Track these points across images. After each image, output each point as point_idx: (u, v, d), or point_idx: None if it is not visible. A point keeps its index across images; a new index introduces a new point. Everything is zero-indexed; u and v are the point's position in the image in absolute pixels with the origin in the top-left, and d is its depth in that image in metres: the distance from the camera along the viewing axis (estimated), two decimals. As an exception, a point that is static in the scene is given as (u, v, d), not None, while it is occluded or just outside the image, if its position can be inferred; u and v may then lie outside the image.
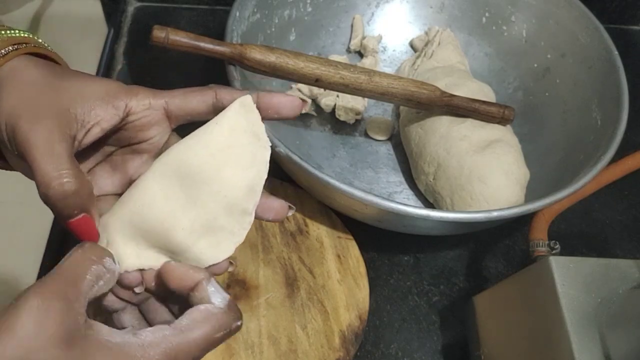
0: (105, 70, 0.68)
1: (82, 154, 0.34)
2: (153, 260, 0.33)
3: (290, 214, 0.36)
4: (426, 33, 0.70)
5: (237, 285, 0.51)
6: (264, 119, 0.35)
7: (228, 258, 0.33)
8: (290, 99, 0.35)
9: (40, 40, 0.35)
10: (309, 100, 0.37)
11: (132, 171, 0.35)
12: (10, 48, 0.32)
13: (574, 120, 0.59)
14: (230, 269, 0.34)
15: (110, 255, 0.30)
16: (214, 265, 0.33)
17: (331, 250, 0.54)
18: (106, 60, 0.69)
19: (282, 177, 0.57)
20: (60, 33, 0.72)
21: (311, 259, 0.53)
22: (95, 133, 0.32)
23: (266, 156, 0.34)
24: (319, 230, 0.55)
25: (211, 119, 0.34)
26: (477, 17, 0.68)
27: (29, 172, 0.30)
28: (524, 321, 0.42)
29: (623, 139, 0.51)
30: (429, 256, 0.57)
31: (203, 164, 0.32)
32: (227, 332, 0.29)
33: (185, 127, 0.36)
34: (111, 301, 0.33)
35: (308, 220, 0.56)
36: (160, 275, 0.32)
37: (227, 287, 0.51)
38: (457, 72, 0.62)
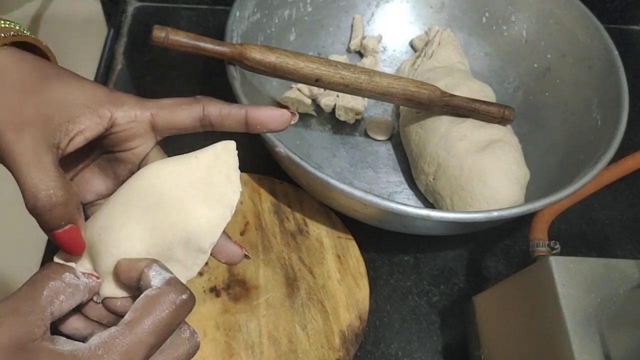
0: (105, 70, 0.68)
1: (68, 157, 0.33)
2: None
3: (243, 260, 0.36)
4: (426, 33, 0.70)
5: (237, 285, 0.51)
6: (252, 132, 0.35)
7: None
8: (279, 113, 0.35)
9: (26, 32, 0.34)
10: (297, 114, 0.37)
11: (122, 174, 0.35)
12: None
13: (574, 120, 0.59)
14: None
15: (71, 271, 0.30)
16: None
17: (331, 250, 0.54)
18: (106, 60, 0.69)
19: (282, 177, 0.57)
20: (60, 33, 0.71)
21: (311, 259, 0.53)
22: (79, 142, 0.32)
23: (234, 201, 0.34)
24: (319, 230, 0.55)
25: (197, 131, 0.35)
26: (477, 17, 0.68)
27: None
28: (524, 321, 0.42)
29: (623, 139, 0.51)
30: (429, 256, 0.57)
31: (170, 194, 0.32)
32: (175, 309, 0.28)
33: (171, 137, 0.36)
34: (78, 328, 0.32)
35: (308, 220, 0.56)
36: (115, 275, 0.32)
37: (227, 287, 0.51)
38: (457, 72, 0.62)
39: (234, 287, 0.51)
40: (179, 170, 0.33)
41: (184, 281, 0.32)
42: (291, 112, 0.36)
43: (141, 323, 0.27)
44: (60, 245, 0.31)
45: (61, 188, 0.29)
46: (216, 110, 0.35)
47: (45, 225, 0.30)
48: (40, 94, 0.31)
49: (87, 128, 0.32)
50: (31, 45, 0.35)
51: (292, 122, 0.37)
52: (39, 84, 0.31)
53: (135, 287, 0.31)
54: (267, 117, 0.35)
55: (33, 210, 0.29)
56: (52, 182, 0.29)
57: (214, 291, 0.51)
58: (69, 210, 0.30)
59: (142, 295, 0.29)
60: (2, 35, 0.32)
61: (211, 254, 0.33)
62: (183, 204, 0.32)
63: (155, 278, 0.30)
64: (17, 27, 0.34)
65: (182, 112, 0.34)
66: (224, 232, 0.33)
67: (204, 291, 0.51)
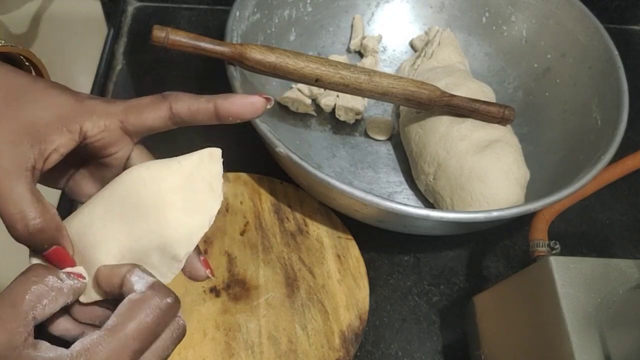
0: (105, 70, 0.68)
1: (58, 164, 0.33)
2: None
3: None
4: (426, 33, 0.70)
5: (237, 285, 0.51)
6: (227, 123, 0.34)
7: None
8: (250, 101, 0.35)
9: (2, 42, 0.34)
10: (272, 98, 0.36)
11: (109, 177, 0.35)
12: None
13: (574, 120, 0.59)
14: None
15: (55, 274, 0.30)
16: None
17: (331, 250, 0.54)
18: (106, 60, 0.69)
19: (282, 177, 0.57)
20: (60, 33, 0.72)
21: (311, 259, 0.53)
22: (55, 158, 0.31)
23: (214, 210, 0.33)
24: (319, 230, 0.55)
25: (172, 128, 0.34)
26: (477, 17, 0.68)
27: None
28: (524, 321, 0.42)
29: (623, 139, 0.51)
30: (429, 256, 0.57)
31: (149, 199, 0.32)
32: (159, 313, 0.28)
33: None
34: (68, 328, 0.32)
35: (308, 220, 0.56)
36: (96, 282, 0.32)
37: (227, 287, 0.51)
38: (457, 72, 0.62)
39: (234, 287, 0.51)
40: (160, 176, 0.32)
41: None
42: (265, 98, 0.35)
43: (124, 328, 0.27)
44: (52, 264, 0.31)
45: (38, 214, 0.29)
46: (184, 106, 0.34)
47: (31, 249, 0.30)
48: (6, 119, 0.30)
49: (60, 145, 0.31)
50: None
51: (268, 107, 0.36)
52: (5, 106, 0.30)
53: (117, 294, 0.30)
54: (238, 107, 0.34)
55: (15, 238, 0.29)
56: (28, 210, 0.29)
57: (214, 291, 0.51)
58: (48, 234, 0.30)
59: (125, 300, 0.28)
60: None
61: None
62: (161, 210, 0.31)
63: (138, 283, 0.29)
64: None
65: (150, 114, 0.33)
66: (197, 246, 0.33)
67: (204, 291, 0.51)
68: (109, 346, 0.26)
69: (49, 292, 0.29)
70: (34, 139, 0.30)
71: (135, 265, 0.31)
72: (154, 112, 0.33)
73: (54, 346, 0.27)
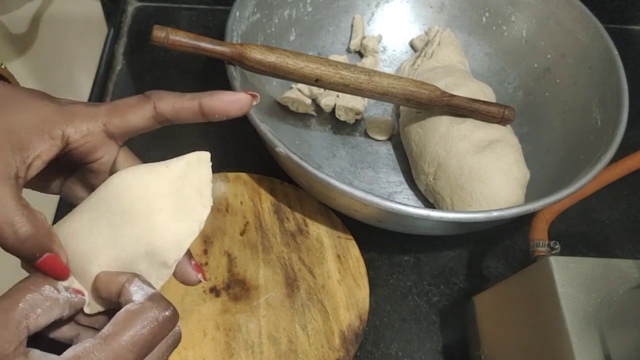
0: (105, 70, 0.68)
1: (50, 171, 0.32)
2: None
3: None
4: (426, 33, 0.70)
5: (237, 285, 0.51)
6: (212, 120, 0.34)
7: None
8: (236, 98, 0.34)
9: None
10: (258, 95, 0.36)
11: (96, 183, 0.34)
12: None
13: (574, 120, 0.59)
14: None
15: (52, 284, 0.29)
16: None
17: (331, 250, 0.54)
18: (106, 60, 0.69)
19: (282, 177, 0.57)
20: (60, 33, 0.71)
21: (311, 259, 0.53)
22: (38, 166, 0.30)
23: (203, 215, 0.32)
24: (319, 230, 0.55)
25: (156, 128, 0.33)
26: (477, 17, 0.68)
27: None
28: (524, 321, 0.42)
29: (623, 139, 0.51)
30: (429, 256, 0.57)
31: (136, 205, 0.31)
32: (156, 326, 0.28)
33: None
34: (63, 330, 0.31)
35: (308, 220, 0.56)
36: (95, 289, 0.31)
37: (227, 287, 0.51)
38: (457, 72, 0.62)
39: (234, 287, 0.51)
40: (147, 180, 0.31)
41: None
42: (250, 94, 0.35)
43: (119, 338, 0.26)
44: (45, 273, 0.30)
45: (26, 221, 0.28)
46: (168, 105, 0.33)
47: (22, 259, 0.29)
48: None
49: (42, 152, 0.30)
50: None
51: (254, 103, 0.36)
52: None
53: (115, 303, 0.30)
54: (224, 104, 0.34)
55: (5, 249, 0.29)
56: (15, 217, 0.28)
57: (214, 291, 0.51)
58: (38, 241, 0.29)
59: (123, 309, 0.28)
60: None
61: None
62: (148, 216, 0.31)
63: (137, 293, 0.29)
64: None
65: (134, 115, 0.33)
66: (188, 250, 0.32)
67: (204, 291, 0.51)
68: (101, 355, 0.26)
69: (44, 302, 0.28)
70: (15, 146, 0.29)
71: (135, 275, 0.30)
72: (137, 113, 0.33)
73: (46, 353, 0.26)
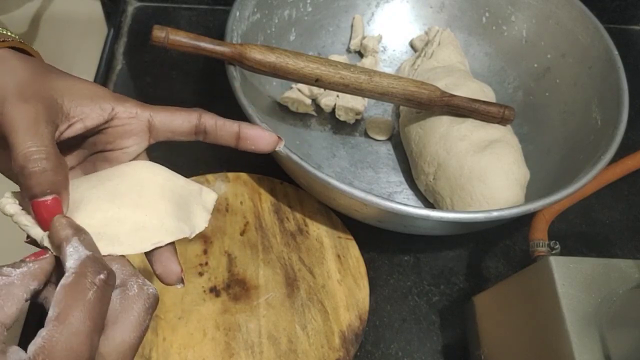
0: (105, 70, 0.68)
1: (67, 150, 0.34)
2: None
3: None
4: (426, 33, 0.70)
5: (237, 285, 0.51)
6: (240, 148, 0.38)
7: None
8: (268, 134, 0.39)
9: (21, 40, 0.36)
10: (283, 141, 0.41)
11: None
12: None
13: (574, 120, 0.59)
14: None
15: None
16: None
17: (331, 250, 0.54)
18: (106, 60, 0.69)
19: (282, 177, 0.57)
20: (60, 33, 0.71)
21: (311, 259, 0.53)
22: (78, 129, 0.33)
23: (198, 228, 0.35)
24: (319, 230, 0.55)
25: (191, 139, 0.37)
26: (477, 17, 0.68)
27: (6, 160, 0.30)
28: (524, 321, 0.42)
29: (623, 139, 0.51)
30: (429, 256, 0.57)
31: (148, 187, 0.34)
32: (97, 290, 0.27)
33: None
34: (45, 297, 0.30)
35: (308, 220, 0.56)
36: None
37: (227, 287, 0.51)
38: (457, 72, 0.62)
39: (234, 287, 0.51)
40: (169, 178, 0.35)
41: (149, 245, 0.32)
42: (279, 138, 0.40)
43: (69, 314, 0.26)
44: (36, 216, 0.30)
45: (53, 156, 0.30)
46: (212, 120, 0.37)
47: (31, 190, 0.29)
48: (45, 82, 0.32)
49: (88, 117, 0.33)
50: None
51: (278, 148, 0.41)
52: (44, 74, 0.33)
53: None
54: (258, 136, 0.39)
55: (22, 170, 0.29)
56: (46, 148, 0.29)
57: (214, 291, 0.51)
58: (57, 177, 0.30)
59: (59, 286, 0.27)
60: (9, 39, 0.34)
61: (150, 262, 0.33)
62: (155, 201, 0.33)
63: (72, 256, 0.28)
64: (10, 34, 0.35)
65: (180, 116, 0.36)
66: (175, 249, 0.33)
67: (204, 291, 0.51)
68: (62, 337, 0.25)
69: None
70: (66, 102, 0.32)
71: (77, 232, 0.29)
72: (184, 116, 0.36)
73: (20, 349, 0.26)
